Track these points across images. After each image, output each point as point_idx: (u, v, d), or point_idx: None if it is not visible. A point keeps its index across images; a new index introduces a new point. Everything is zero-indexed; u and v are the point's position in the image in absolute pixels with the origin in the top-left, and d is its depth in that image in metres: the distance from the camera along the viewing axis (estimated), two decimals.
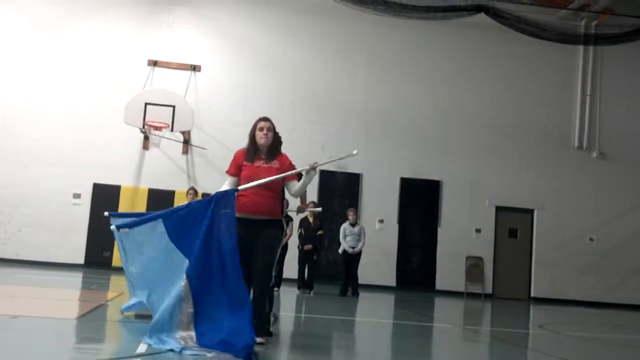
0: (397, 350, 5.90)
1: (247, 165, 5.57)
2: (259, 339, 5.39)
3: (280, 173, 5.54)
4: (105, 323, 6.75)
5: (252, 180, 5.46)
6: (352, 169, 16.57)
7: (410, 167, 16.76)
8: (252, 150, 5.62)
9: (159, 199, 14.98)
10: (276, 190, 5.63)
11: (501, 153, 17.16)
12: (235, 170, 5.63)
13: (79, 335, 5.46)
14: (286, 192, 5.90)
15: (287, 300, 11.47)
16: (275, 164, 5.61)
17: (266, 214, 5.52)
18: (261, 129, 5.65)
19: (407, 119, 16.86)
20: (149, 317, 5.61)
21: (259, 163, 5.58)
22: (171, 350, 4.78)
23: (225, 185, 5.61)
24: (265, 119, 5.76)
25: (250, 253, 5.46)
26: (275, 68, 16.75)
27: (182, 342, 4.93)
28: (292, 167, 5.70)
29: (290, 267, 13.11)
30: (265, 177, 5.46)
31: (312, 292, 12.81)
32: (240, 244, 5.33)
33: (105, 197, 15.24)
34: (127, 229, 5.66)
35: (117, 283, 12.48)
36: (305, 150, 16.15)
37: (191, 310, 5.07)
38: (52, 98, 15.86)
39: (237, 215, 5.36)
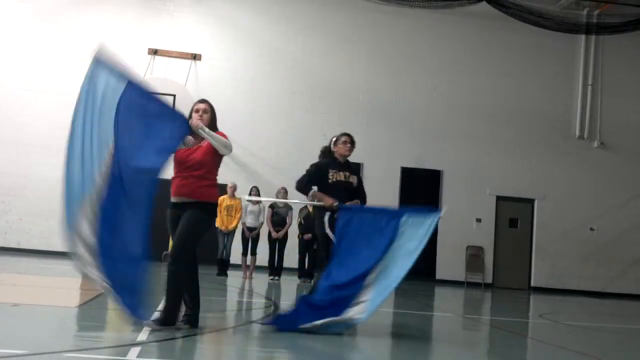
0: (398, 339, 5.91)
1: (180, 149, 5.32)
2: (151, 323, 5.01)
3: (207, 150, 5.30)
4: (106, 311, 6.76)
5: (183, 164, 5.27)
6: (353, 158, 16.47)
7: (411, 156, 16.74)
8: (189, 133, 5.37)
9: (159, 186, 14.97)
10: (201, 167, 5.30)
11: (502, 143, 17.14)
12: None
13: (80, 323, 5.48)
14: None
15: (288, 289, 11.50)
16: (204, 141, 5.34)
17: (188, 197, 5.28)
18: (197, 111, 5.43)
19: (408, 108, 16.83)
20: None
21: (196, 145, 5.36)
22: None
23: None
24: (203, 101, 5.54)
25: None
26: (276, 57, 16.69)
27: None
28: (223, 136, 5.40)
29: (291, 257, 13.14)
30: (194, 157, 5.26)
31: (312, 281, 12.81)
32: (170, 226, 5.38)
33: None
34: None
35: None
36: (306, 138, 16.18)
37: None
38: (53, 86, 15.83)
39: (171, 199, 5.40)
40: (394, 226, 5.91)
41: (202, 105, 5.47)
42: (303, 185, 6.29)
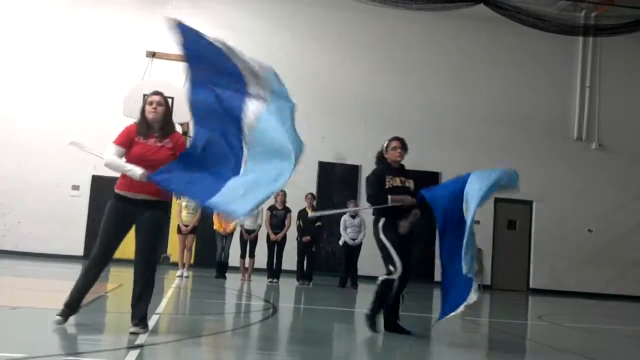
0: (397, 341, 5.91)
1: (139, 142, 5.18)
2: (133, 329, 5.01)
3: (173, 152, 5.17)
4: (105, 314, 6.76)
5: (144, 158, 5.08)
6: (351, 160, 16.57)
7: (410, 158, 16.63)
8: (144, 126, 5.24)
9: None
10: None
11: (500, 144, 17.14)
12: (125, 141, 5.24)
13: (79, 326, 5.46)
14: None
15: (286, 291, 11.50)
16: (167, 143, 5.21)
17: (153, 195, 5.11)
18: (150, 103, 5.25)
19: (407, 110, 16.83)
20: None
21: (151, 141, 5.19)
22: None
23: (109, 153, 5.24)
24: (157, 93, 5.35)
25: (122, 232, 5.18)
26: (274, 59, 16.46)
27: None
28: (184, 147, 5.35)
29: (289, 259, 13.12)
30: (157, 157, 5.10)
31: (311, 284, 12.82)
32: (115, 219, 5.16)
33: (104, 189, 15.21)
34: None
35: (116, 275, 12.49)
36: (305, 141, 16.15)
37: None
38: (51, 89, 15.83)
39: (120, 193, 5.19)
40: (463, 181, 6.23)
41: (156, 97, 5.29)
42: (376, 197, 6.23)
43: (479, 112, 17.15)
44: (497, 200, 17.08)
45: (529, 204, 17.31)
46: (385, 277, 6.15)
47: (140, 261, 5.18)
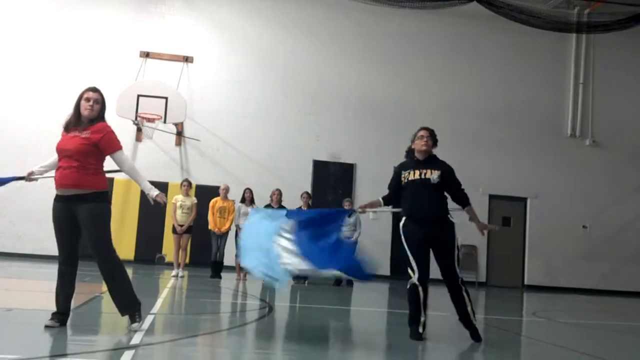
0: (392, 339, 5.92)
1: (62, 135, 5.20)
2: (135, 325, 5.15)
3: (90, 142, 5.07)
4: (100, 315, 6.75)
5: (59, 149, 5.12)
6: (346, 159, 16.57)
7: (403, 156, 16.72)
8: (73, 120, 5.20)
9: None
10: (82, 160, 5.06)
11: (494, 141, 17.18)
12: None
13: (73, 327, 5.46)
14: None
15: (281, 290, 11.47)
16: (85, 133, 5.11)
17: (75, 187, 5.06)
18: (88, 100, 5.21)
19: (400, 108, 16.84)
20: None
21: (72, 133, 5.14)
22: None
23: (52, 159, 5.36)
24: (95, 90, 5.29)
25: (71, 229, 5.17)
26: (268, 59, 16.69)
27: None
28: (110, 137, 5.19)
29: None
30: (67, 146, 5.07)
31: (306, 282, 12.82)
32: (57, 220, 5.20)
33: None
34: None
35: None
36: (298, 139, 16.20)
37: None
38: (44, 89, 15.78)
39: (56, 192, 5.20)
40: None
41: (93, 95, 5.23)
42: (385, 199, 6.21)
43: (473, 109, 17.17)
44: (491, 197, 17.14)
45: (523, 200, 17.36)
46: (408, 282, 5.90)
47: (95, 257, 5.15)
